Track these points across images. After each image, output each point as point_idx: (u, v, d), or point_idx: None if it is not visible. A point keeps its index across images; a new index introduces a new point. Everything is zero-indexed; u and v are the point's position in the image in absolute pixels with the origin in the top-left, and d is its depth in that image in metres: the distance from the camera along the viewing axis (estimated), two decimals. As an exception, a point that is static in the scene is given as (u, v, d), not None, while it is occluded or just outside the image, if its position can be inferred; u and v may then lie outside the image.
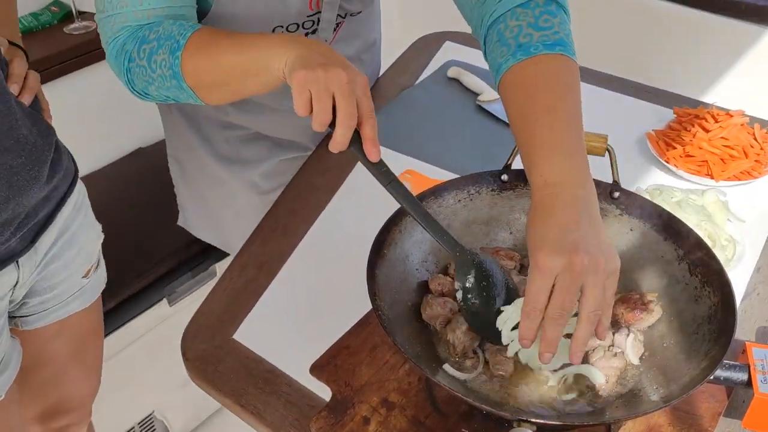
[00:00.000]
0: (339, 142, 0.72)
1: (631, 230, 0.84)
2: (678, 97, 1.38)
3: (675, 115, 1.24)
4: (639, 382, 0.74)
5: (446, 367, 0.74)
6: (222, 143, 1.29)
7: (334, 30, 1.14)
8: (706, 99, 1.35)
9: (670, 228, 0.81)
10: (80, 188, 1.02)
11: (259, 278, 1.03)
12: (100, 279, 1.09)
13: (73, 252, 0.99)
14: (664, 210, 0.82)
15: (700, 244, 0.77)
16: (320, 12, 1.07)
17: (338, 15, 1.12)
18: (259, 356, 0.91)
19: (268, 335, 0.94)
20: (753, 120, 1.22)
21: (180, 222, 1.46)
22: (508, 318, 0.73)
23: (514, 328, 0.72)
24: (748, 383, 0.74)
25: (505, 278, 0.78)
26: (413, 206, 0.76)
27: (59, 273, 0.99)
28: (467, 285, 0.76)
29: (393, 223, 0.81)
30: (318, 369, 0.84)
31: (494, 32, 0.84)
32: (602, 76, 1.45)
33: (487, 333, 0.76)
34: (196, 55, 0.84)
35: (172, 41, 0.84)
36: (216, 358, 0.91)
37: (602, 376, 0.73)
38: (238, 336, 0.94)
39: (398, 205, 0.78)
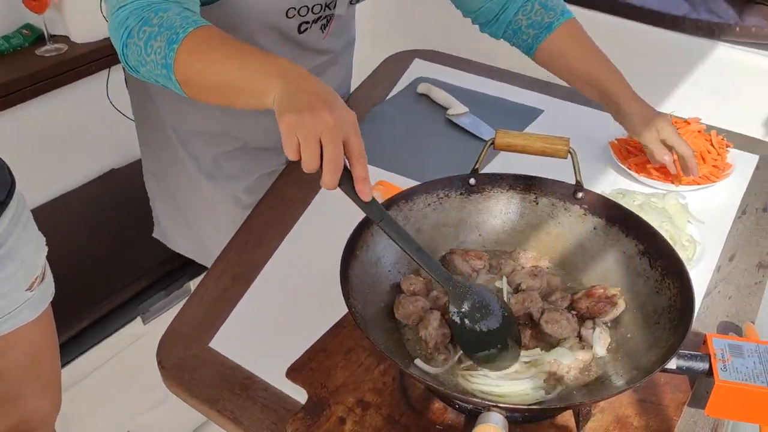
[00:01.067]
0: (327, 184, 0.73)
1: (594, 228, 0.87)
2: (639, 108, 1.42)
3: (636, 125, 1.29)
4: (605, 372, 0.76)
5: (417, 362, 0.76)
6: (208, 160, 1.30)
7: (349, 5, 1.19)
8: (665, 109, 1.40)
9: (631, 225, 0.84)
10: (18, 200, 0.99)
11: (234, 287, 1.04)
12: (46, 291, 1.07)
13: (14, 266, 0.98)
14: (624, 208, 0.85)
15: (658, 238, 0.81)
16: None
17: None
18: (235, 363, 0.92)
19: (243, 343, 0.94)
20: (709, 128, 1.28)
21: (156, 234, 1.46)
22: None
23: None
24: (710, 372, 0.77)
25: (502, 307, 0.80)
26: (406, 242, 0.77)
27: (0, 287, 0.98)
28: (459, 316, 0.78)
29: (365, 226, 0.83)
30: (294, 372, 0.85)
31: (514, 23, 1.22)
32: (568, 90, 1.50)
33: (477, 357, 0.78)
34: (192, 54, 0.84)
35: (171, 32, 0.85)
36: (192, 366, 0.92)
37: (571, 354, 0.75)
38: (214, 344, 0.95)
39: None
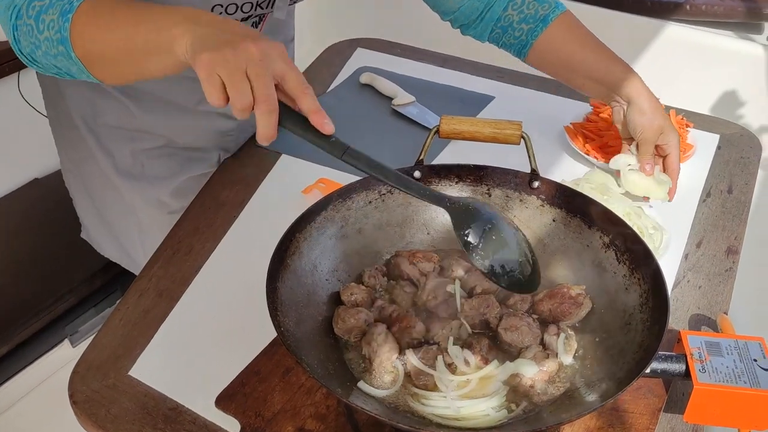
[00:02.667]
0: (263, 132, 0.62)
1: (554, 221, 0.78)
2: (593, 91, 1.36)
3: (592, 107, 1.22)
4: (573, 383, 0.68)
5: (361, 384, 0.66)
6: (126, 158, 1.18)
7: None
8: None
9: (594, 215, 0.76)
10: None
11: (159, 305, 0.92)
12: None
13: None
14: (585, 196, 0.77)
15: (625, 228, 0.73)
16: None
17: None
18: (159, 393, 0.81)
19: (169, 369, 0.83)
20: (667, 108, 1.21)
21: (83, 235, 1.34)
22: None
23: None
24: (686, 374, 0.70)
25: (514, 227, 0.69)
26: (381, 171, 0.66)
27: None
28: (470, 239, 0.65)
29: (296, 230, 0.73)
30: (224, 400, 0.75)
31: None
32: (519, 75, 1.43)
33: (507, 279, 0.66)
34: (89, 21, 0.73)
35: (65, 1, 0.74)
36: (109, 399, 0.80)
37: (534, 366, 0.67)
38: (135, 372, 0.83)
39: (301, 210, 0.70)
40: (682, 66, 1.85)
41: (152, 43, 0.69)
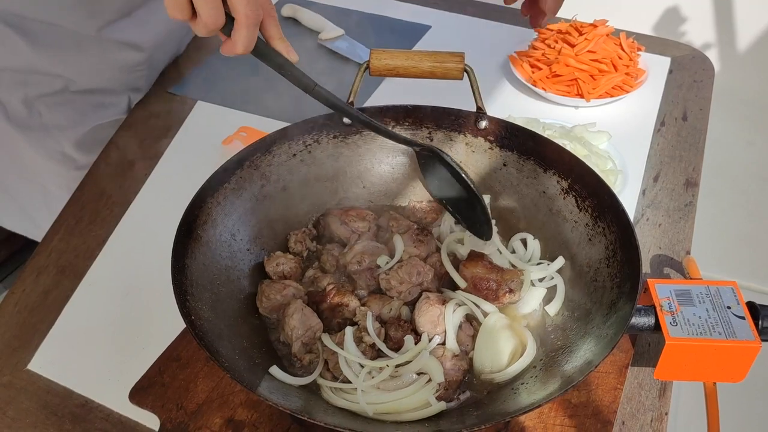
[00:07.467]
0: (244, 46, 0.55)
1: (504, 165, 0.69)
2: (536, 15, 1.26)
3: (537, 34, 1.12)
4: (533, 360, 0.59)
5: (274, 369, 0.56)
6: (19, 106, 1.02)
7: None
8: (566, 16, 1.23)
9: (550, 156, 0.67)
10: None
11: (61, 284, 0.81)
12: None
13: None
14: (540, 136, 0.68)
15: (585, 170, 0.64)
16: None
17: None
18: (64, 388, 0.71)
19: (75, 359, 0.73)
20: (616, 32, 1.12)
21: None
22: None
23: None
24: (656, 327, 0.63)
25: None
26: (346, 110, 0.63)
27: None
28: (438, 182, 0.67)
29: (207, 194, 0.62)
30: (140, 393, 0.66)
31: None
32: (458, 1, 1.31)
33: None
34: None
35: None
36: (4, 400, 0.70)
37: (441, 372, 0.57)
38: (34, 365, 0.73)
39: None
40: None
41: None
